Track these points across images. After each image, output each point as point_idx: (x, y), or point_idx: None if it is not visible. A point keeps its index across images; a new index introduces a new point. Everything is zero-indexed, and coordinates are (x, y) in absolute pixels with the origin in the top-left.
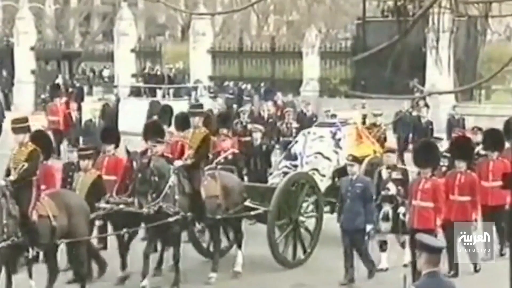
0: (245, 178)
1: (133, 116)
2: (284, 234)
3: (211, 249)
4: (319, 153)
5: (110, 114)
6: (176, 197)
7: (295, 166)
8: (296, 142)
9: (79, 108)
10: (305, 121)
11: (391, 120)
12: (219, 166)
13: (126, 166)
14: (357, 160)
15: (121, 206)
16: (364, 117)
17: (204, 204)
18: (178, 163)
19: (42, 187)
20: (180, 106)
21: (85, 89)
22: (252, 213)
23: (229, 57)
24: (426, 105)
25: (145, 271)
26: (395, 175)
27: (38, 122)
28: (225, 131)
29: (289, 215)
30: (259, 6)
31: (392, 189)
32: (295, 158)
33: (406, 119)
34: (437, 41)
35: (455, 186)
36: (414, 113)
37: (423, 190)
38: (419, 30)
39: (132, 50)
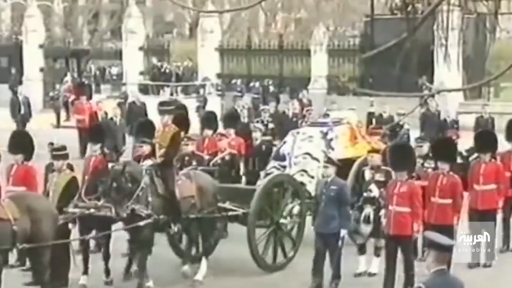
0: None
1: None
2: (265, 236)
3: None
4: (308, 153)
5: (137, 113)
6: (149, 198)
7: (284, 167)
8: (285, 142)
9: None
10: None
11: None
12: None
13: (97, 167)
14: (332, 162)
15: (92, 210)
16: (372, 116)
17: (179, 205)
18: (148, 162)
19: (23, 188)
20: (187, 104)
21: (93, 87)
22: (230, 214)
23: (237, 55)
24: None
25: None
26: (378, 176)
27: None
28: (231, 131)
29: (270, 217)
30: (267, 3)
31: (374, 191)
32: (283, 158)
33: (434, 118)
34: (446, 38)
35: (436, 188)
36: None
37: (399, 194)
38: (428, 27)
39: (140, 48)
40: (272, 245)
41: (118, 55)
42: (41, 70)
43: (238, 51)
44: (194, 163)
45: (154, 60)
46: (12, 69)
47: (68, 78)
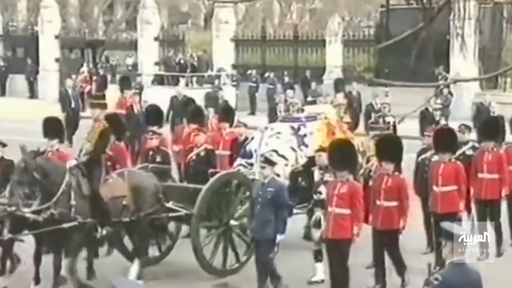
0: None
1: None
2: (213, 239)
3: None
4: (275, 151)
5: (177, 109)
6: (73, 202)
7: (251, 164)
8: (253, 138)
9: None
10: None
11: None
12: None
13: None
14: (269, 161)
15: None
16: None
17: (106, 206)
18: (72, 162)
19: None
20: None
21: (109, 77)
22: (171, 214)
23: (252, 46)
24: (450, 93)
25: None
26: (328, 177)
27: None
28: (226, 125)
29: (218, 218)
30: None
31: (324, 192)
32: (250, 155)
33: (487, 113)
34: (462, 28)
35: (381, 190)
36: None
37: (339, 195)
38: (444, 17)
39: (156, 39)
40: (222, 248)
41: (133, 45)
42: (57, 60)
43: (253, 41)
44: (158, 158)
45: (167, 53)
46: (28, 59)
47: (84, 68)
